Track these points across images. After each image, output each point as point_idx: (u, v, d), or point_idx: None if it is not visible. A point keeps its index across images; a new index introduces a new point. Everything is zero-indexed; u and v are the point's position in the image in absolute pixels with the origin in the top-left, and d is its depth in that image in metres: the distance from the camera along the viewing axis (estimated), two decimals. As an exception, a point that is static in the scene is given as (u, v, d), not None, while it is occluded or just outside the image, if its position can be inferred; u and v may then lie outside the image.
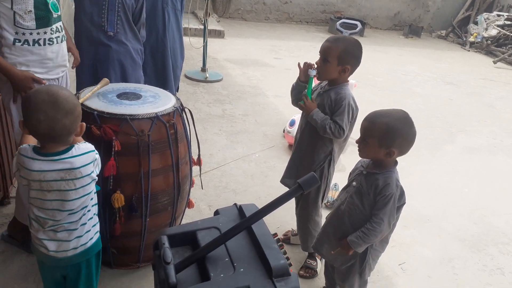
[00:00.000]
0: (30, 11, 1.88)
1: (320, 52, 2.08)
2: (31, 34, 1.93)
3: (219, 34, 7.61)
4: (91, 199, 1.54)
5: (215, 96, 4.81)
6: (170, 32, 3.06)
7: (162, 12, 2.98)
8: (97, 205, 1.60)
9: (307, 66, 2.11)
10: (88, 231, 1.55)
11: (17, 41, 1.92)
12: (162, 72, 3.08)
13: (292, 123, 3.70)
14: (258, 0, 9.65)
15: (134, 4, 2.59)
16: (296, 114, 3.81)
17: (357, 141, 1.76)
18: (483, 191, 3.52)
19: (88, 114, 1.81)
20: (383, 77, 6.42)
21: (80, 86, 2.58)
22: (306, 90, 2.14)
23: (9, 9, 1.84)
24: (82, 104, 1.86)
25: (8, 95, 2.01)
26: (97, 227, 1.61)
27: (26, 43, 1.93)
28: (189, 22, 6.84)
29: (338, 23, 4.58)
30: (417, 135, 1.71)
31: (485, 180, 3.70)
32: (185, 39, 3.95)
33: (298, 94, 2.20)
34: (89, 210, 1.54)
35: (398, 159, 1.74)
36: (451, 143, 4.42)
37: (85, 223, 1.53)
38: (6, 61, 1.90)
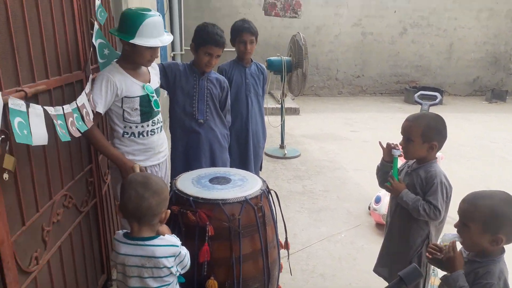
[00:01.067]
0: (136, 108, 2.13)
1: (401, 132, 2.06)
2: (136, 127, 2.17)
3: (294, 111, 7.86)
4: None
5: (295, 172, 4.85)
6: (253, 116, 3.23)
7: (245, 98, 3.18)
8: None
9: (391, 146, 2.09)
10: None
11: (125, 133, 2.16)
12: (245, 154, 3.22)
13: (377, 200, 3.57)
14: (330, 76, 9.94)
15: (220, 93, 2.80)
16: (381, 190, 3.67)
17: (455, 225, 1.60)
18: None
19: (184, 200, 1.92)
20: (470, 146, 6.08)
21: (174, 170, 2.77)
22: (392, 171, 2.09)
23: (120, 108, 2.11)
24: (179, 190, 1.99)
25: (115, 180, 2.21)
26: None
27: (132, 135, 2.17)
28: (267, 102, 7.18)
29: (416, 95, 4.52)
30: None
31: None
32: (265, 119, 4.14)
33: (385, 175, 2.15)
34: None
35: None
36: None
37: None
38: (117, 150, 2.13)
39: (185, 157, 2.75)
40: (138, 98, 2.13)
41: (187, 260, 1.59)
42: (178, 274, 1.57)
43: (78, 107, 1.70)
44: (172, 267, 1.51)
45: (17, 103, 1.24)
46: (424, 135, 1.97)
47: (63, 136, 1.49)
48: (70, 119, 1.59)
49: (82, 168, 2.14)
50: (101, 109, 2.00)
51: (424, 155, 2.00)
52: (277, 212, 2.19)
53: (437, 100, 4.41)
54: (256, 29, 3.16)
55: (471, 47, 10.02)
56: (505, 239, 1.48)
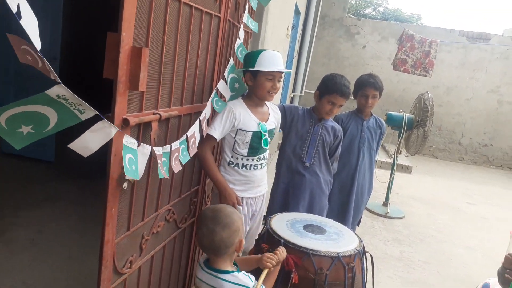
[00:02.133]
0: (247, 142, 2.24)
1: None
2: (242, 159, 2.27)
3: (406, 169, 7.44)
4: None
5: (394, 235, 4.54)
6: (362, 170, 3.14)
7: (358, 151, 3.12)
8: None
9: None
10: None
11: (231, 163, 2.28)
12: (346, 206, 3.13)
13: (485, 287, 3.15)
14: (454, 139, 9.25)
15: (333, 141, 2.80)
16: (492, 278, 3.24)
17: None
18: None
19: (276, 240, 1.92)
20: None
21: (272, 205, 2.82)
22: None
23: (232, 138, 2.24)
24: (272, 230, 2.00)
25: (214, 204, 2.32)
26: None
27: (237, 166, 2.28)
28: (378, 155, 6.94)
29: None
30: None
31: None
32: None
33: (502, 282, 1.87)
34: None
35: None
36: None
37: None
38: (224, 180, 2.24)
39: (284, 195, 2.78)
40: (251, 133, 2.23)
41: None
42: None
43: (187, 138, 1.78)
44: None
45: (130, 141, 1.35)
46: None
47: (163, 174, 1.55)
48: (176, 154, 1.66)
49: (190, 188, 2.28)
50: (217, 135, 2.13)
51: None
52: (367, 275, 2.07)
53: None
54: (382, 85, 3.12)
55: None
56: None
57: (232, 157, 2.28)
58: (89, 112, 1.16)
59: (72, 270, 2.81)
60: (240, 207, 2.31)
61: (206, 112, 2.00)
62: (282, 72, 2.22)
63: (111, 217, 1.46)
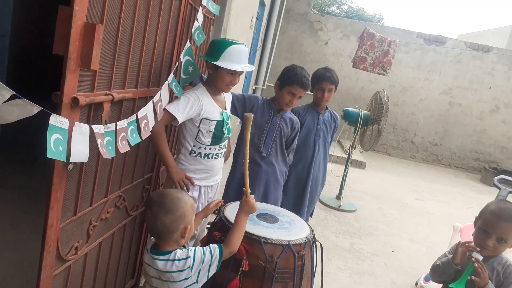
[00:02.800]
0: (211, 131, 2.22)
1: (490, 229, 1.82)
2: (205, 148, 2.25)
3: (360, 164, 7.67)
4: None
5: (345, 227, 4.68)
6: (317, 162, 3.20)
7: (313, 143, 3.17)
8: None
9: (469, 248, 1.82)
10: None
11: (193, 152, 2.25)
12: (301, 197, 3.18)
13: (427, 279, 3.32)
14: (406, 138, 9.62)
15: (290, 133, 2.83)
16: (434, 270, 3.42)
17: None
18: None
19: (228, 228, 1.91)
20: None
21: (226, 195, 2.82)
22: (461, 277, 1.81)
23: (196, 127, 2.21)
24: (225, 218, 2.00)
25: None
26: None
27: (199, 155, 2.26)
28: (334, 150, 7.10)
29: (496, 178, 4.19)
30: None
31: None
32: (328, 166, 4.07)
33: (444, 276, 1.92)
34: None
35: None
36: None
37: None
38: (174, 162, 2.20)
39: (240, 184, 2.78)
40: (215, 122, 2.22)
41: (209, 260, 1.58)
42: (207, 276, 1.59)
43: (137, 119, 1.71)
44: (188, 278, 1.54)
45: (59, 121, 1.25)
46: None
47: (109, 152, 1.49)
48: (122, 134, 1.58)
49: (143, 175, 2.23)
50: (180, 118, 2.08)
51: (500, 253, 1.86)
52: (317, 264, 2.12)
53: (519, 189, 4.06)
54: (337, 79, 3.18)
55: None
56: None
57: (194, 146, 2.24)
58: (4, 92, 1.09)
59: (13, 258, 2.69)
60: (196, 195, 2.29)
61: (162, 94, 1.94)
62: None
63: (56, 200, 1.40)
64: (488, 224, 1.83)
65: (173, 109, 2.05)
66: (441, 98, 9.42)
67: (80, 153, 1.35)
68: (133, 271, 2.49)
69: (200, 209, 2.23)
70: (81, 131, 1.35)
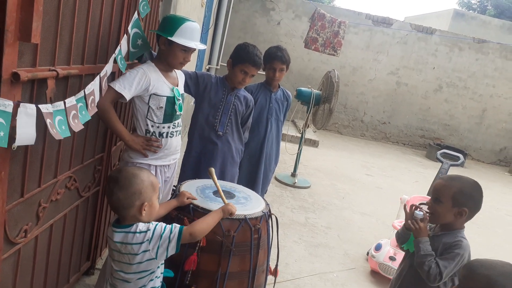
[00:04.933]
0: (162, 107, 2.17)
1: (431, 191, 1.97)
2: (158, 127, 2.20)
3: (313, 143, 7.85)
4: (151, 280, 1.61)
5: (301, 203, 4.81)
6: (270, 139, 3.25)
7: (266, 121, 3.21)
8: None
9: (411, 209, 1.97)
10: None
11: (148, 132, 2.19)
12: (254, 174, 3.22)
13: (378, 247, 3.49)
14: (357, 117, 9.93)
15: (245, 111, 2.84)
16: (384, 239, 3.61)
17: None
18: None
19: (184, 206, 1.92)
20: (484, 215, 5.89)
21: (183, 174, 2.80)
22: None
23: (146, 104, 2.15)
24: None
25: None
26: None
27: (153, 135, 2.20)
28: (288, 129, 7.21)
29: (439, 152, 4.45)
30: None
31: None
32: (282, 144, 4.13)
33: (402, 240, 2.08)
34: None
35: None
36: None
37: None
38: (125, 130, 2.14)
39: (196, 164, 2.77)
40: (165, 98, 2.17)
41: (167, 236, 1.58)
42: (166, 253, 1.58)
43: (85, 95, 1.64)
44: (147, 251, 1.55)
45: (2, 104, 1.17)
46: (455, 198, 1.87)
47: (62, 133, 1.42)
48: (73, 112, 1.52)
49: (93, 155, 2.17)
50: (127, 95, 2.02)
51: (451, 220, 1.91)
52: (273, 237, 2.17)
53: (459, 162, 4.33)
54: (289, 58, 3.20)
55: (504, 117, 9.89)
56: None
57: (147, 125, 2.18)
58: None
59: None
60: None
61: (108, 68, 1.87)
62: None
63: (0, 181, 1.34)
64: (430, 189, 1.99)
65: (119, 86, 1.99)
66: (389, 78, 9.77)
67: (26, 136, 1.28)
68: (88, 253, 2.44)
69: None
70: (27, 112, 1.28)
